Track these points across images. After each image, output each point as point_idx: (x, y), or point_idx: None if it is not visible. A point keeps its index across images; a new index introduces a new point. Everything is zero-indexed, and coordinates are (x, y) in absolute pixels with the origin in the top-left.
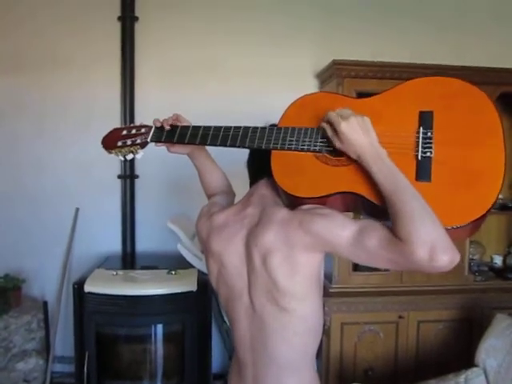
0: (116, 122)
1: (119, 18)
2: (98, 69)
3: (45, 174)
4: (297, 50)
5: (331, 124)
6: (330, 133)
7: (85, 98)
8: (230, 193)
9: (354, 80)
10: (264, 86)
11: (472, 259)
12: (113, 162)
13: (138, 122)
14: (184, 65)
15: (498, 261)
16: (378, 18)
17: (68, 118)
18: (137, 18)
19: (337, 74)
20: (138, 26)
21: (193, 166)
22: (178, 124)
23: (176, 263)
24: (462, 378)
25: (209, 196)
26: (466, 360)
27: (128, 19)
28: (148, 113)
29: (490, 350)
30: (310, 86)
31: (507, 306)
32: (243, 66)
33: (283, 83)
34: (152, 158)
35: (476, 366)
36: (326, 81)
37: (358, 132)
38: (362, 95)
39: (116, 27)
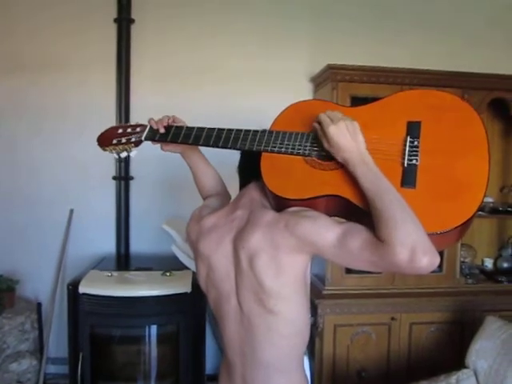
0: (111, 124)
1: (115, 20)
2: (94, 71)
3: (40, 174)
4: (292, 54)
5: (321, 125)
6: (320, 133)
7: (81, 100)
8: (224, 194)
9: (349, 84)
10: (259, 89)
11: (463, 262)
12: (108, 164)
13: (133, 123)
14: (180, 67)
15: (489, 264)
16: (373, 22)
17: (64, 119)
18: (133, 20)
19: (331, 78)
20: (134, 28)
21: (188, 168)
22: (173, 124)
23: (170, 265)
24: (453, 379)
25: (204, 198)
26: (458, 361)
27: (124, 21)
28: (143, 114)
29: (481, 351)
30: (305, 90)
31: (498, 309)
32: (238, 69)
33: (278, 86)
34: (147, 160)
35: (467, 367)
36: (320, 84)
37: (345, 136)
38: (356, 99)
39: (112, 29)
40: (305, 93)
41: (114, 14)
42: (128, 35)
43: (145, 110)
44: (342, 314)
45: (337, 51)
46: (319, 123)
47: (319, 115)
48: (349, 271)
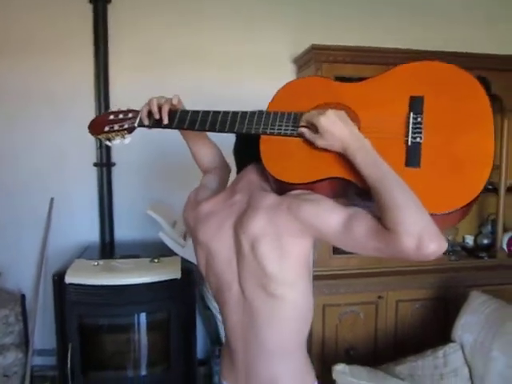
0: (91, 109)
1: (90, 1)
2: (71, 55)
3: (18, 163)
4: (274, 35)
5: (310, 123)
6: (308, 135)
7: (60, 86)
8: (223, 168)
9: (333, 65)
10: (241, 72)
11: (446, 239)
12: (88, 150)
13: (112, 108)
14: (159, 50)
15: (470, 240)
16: (354, 2)
17: (42, 105)
18: (109, 1)
19: (315, 59)
20: (111, 11)
21: (171, 153)
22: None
23: (158, 251)
24: (440, 353)
25: (203, 171)
26: (442, 337)
27: (100, 1)
28: (123, 98)
29: (466, 325)
30: (287, 72)
31: (479, 284)
32: (220, 51)
33: (261, 69)
34: (128, 146)
35: (453, 341)
36: (303, 66)
37: (338, 124)
38: (341, 80)
39: (89, 11)
40: (287, 75)
41: None
42: (105, 17)
43: (125, 93)
44: (330, 295)
45: (319, 32)
46: (306, 123)
47: (303, 116)
48: (336, 252)
